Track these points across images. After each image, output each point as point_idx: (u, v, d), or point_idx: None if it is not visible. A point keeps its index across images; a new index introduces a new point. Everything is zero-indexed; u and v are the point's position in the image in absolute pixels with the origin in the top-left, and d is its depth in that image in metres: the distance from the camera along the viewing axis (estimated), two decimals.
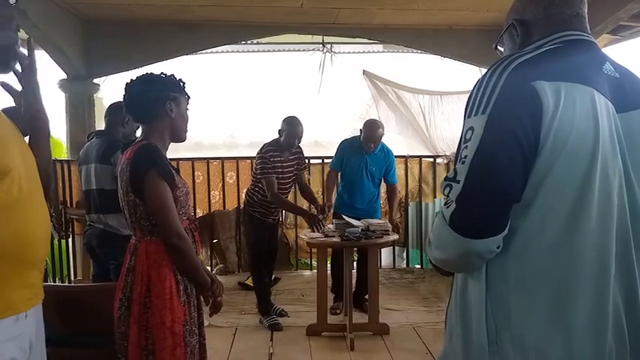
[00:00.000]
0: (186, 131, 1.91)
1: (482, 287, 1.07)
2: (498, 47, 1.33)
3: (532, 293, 1.03)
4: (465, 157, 1.02)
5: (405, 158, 5.35)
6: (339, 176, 4.19)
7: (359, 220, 3.74)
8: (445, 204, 1.04)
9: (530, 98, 0.99)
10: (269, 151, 3.64)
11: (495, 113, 1.00)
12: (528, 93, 0.99)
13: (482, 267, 1.07)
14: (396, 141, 5.57)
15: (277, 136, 3.75)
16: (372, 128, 3.94)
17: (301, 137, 3.75)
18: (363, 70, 5.41)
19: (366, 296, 3.83)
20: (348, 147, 4.07)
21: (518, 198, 1.01)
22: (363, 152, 3.97)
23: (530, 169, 1.00)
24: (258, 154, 3.70)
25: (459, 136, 1.08)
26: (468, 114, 1.06)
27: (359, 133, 4.02)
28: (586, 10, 1.17)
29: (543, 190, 1.00)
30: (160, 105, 1.81)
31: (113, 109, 3.06)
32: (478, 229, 1.00)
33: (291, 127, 3.67)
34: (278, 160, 3.67)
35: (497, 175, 0.99)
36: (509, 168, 0.99)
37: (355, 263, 4.26)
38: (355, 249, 3.94)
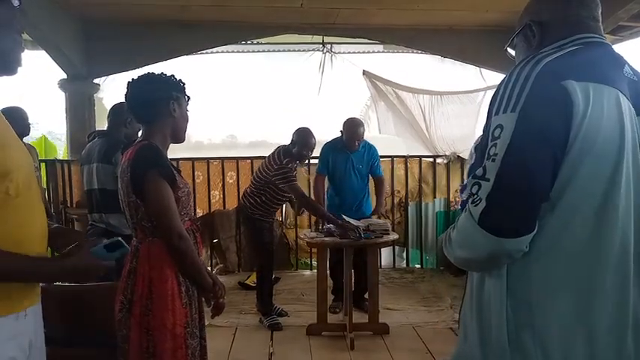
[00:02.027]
0: (185, 132, 1.91)
1: (502, 286, 1.06)
2: (509, 50, 1.33)
3: (555, 293, 1.03)
4: (495, 154, 1.01)
5: (405, 158, 5.35)
6: (326, 180, 4.16)
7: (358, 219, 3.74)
8: (473, 202, 1.03)
9: (561, 98, 0.99)
10: (289, 162, 3.64)
11: (526, 112, 1.00)
12: (559, 93, 1.00)
13: (503, 268, 1.07)
14: (396, 141, 5.57)
15: (284, 141, 3.76)
16: (353, 127, 3.93)
17: (313, 149, 3.74)
18: (363, 71, 5.41)
19: (366, 296, 3.83)
20: (331, 149, 4.05)
21: (548, 197, 1.01)
22: (347, 152, 3.97)
23: (559, 169, 1.00)
24: (276, 164, 3.63)
25: (488, 133, 1.07)
26: (495, 111, 1.05)
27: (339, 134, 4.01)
28: (600, 13, 1.18)
29: (569, 189, 1.01)
30: (163, 104, 1.80)
31: (116, 109, 3.07)
32: (509, 228, 1.00)
33: (304, 140, 3.67)
34: (293, 169, 3.72)
35: (528, 174, 0.99)
36: (540, 167, 0.99)
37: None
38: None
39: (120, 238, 1.28)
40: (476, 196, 1.02)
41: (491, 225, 1.00)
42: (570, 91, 0.99)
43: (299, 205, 3.86)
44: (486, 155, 1.03)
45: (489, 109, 1.09)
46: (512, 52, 1.32)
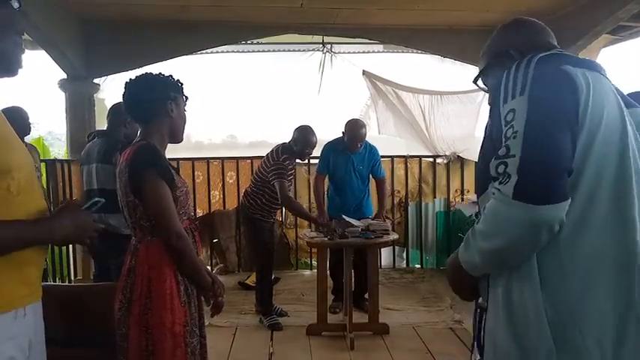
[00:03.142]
0: (183, 132, 1.91)
1: (535, 286, 1.05)
2: (478, 83, 1.37)
3: (591, 277, 1.04)
4: (516, 132, 1.04)
5: (405, 158, 5.35)
6: (326, 180, 4.17)
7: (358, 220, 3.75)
8: (501, 182, 1.04)
9: (565, 78, 1.06)
10: (286, 159, 3.66)
11: (535, 91, 1.05)
12: (562, 74, 1.07)
13: (533, 263, 1.06)
14: (396, 141, 5.57)
15: (284, 140, 3.77)
16: (356, 128, 3.93)
17: (314, 147, 3.75)
18: (363, 71, 5.41)
19: (366, 296, 3.83)
20: (332, 149, 4.05)
21: (571, 166, 1.03)
22: (348, 153, 3.97)
23: (576, 142, 1.04)
24: (273, 160, 3.67)
25: (499, 122, 1.10)
26: (502, 102, 1.09)
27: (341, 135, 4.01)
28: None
29: (589, 162, 1.04)
30: (161, 104, 1.80)
31: (115, 109, 3.07)
32: (545, 193, 1.00)
33: (305, 138, 3.70)
34: (290, 167, 3.72)
35: (552, 141, 1.02)
36: (559, 134, 1.02)
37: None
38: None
39: (97, 198, 1.40)
40: (504, 175, 1.03)
41: (527, 193, 1.00)
42: (571, 73, 1.06)
43: (282, 203, 3.80)
44: (504, 138, 1.06)
45: (495, 105, 1.13)
46: (482, 85, 1.37)
